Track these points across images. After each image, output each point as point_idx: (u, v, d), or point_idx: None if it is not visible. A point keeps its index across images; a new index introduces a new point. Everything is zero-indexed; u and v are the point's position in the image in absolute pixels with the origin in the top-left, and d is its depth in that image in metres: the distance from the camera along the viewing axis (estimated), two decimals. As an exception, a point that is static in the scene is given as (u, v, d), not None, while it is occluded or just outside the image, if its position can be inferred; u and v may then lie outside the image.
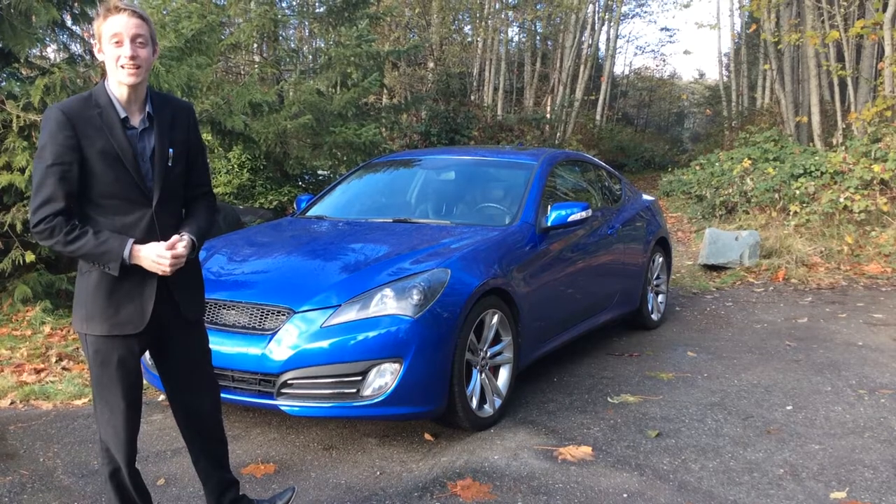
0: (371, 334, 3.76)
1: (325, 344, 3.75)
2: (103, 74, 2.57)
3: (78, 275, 2.61)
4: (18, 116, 6.24)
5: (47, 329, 6.10)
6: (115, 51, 2.46)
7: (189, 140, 2.71)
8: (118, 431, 2.62)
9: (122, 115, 2.52)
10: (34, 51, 7.72)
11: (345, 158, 11.59)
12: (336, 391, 3.77)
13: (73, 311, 2.63)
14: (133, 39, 2.46)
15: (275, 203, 11.79)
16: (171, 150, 2.61)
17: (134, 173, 2.52)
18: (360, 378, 3.74)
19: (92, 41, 2.53)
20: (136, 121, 2.56)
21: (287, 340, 3.78)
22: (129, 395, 2.62)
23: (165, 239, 2.57)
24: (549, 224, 4.94)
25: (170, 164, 2.60)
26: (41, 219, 2.43)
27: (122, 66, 2.46)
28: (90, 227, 2.48)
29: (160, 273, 2.53)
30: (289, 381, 3.77)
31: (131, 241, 2.49)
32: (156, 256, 2.50)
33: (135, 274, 2.54)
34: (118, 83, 2.51)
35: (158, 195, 2.57)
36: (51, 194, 2.43)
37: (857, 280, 8.50)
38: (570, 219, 4.96)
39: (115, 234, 2.50)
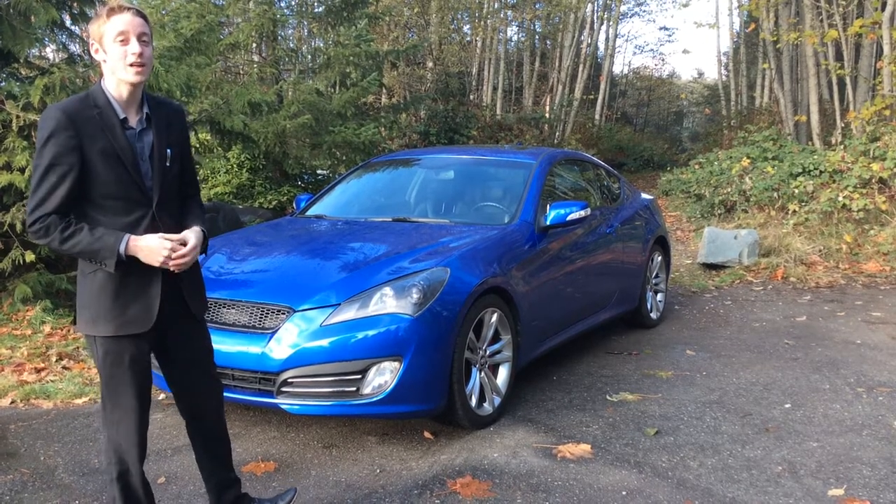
0: (371, 333, 3.77)
1: (324, 342, 3.76)
2: (101, 75, 2.57)
3: (80, 276, 2.60)
4: (18, 116, 6.24)
5: (47, 328, 6.11)
6: (120, 49, 2.47)
7: (183, 141, 2.73)
8: (130, 432, 2.62)
9: (121, 115, 2.53)
10: (33, 51, 7.73)
11: (344, 158, 11.61)
12: (336, 389, 3.78)
13: (77, 313, 2.62)
14: (139, 37, 2.48)
15: (274, 203, 11.81)
16: (168, 151, 2.63)
17: (134, 173, 2.52)
18: (359, 376, 3.75)
19: (90, 42, 2.53)
20: (133, 121, 2.57)
21: (287, 339, 3.79)
22: (142, 394, 2.62)
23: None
24: (547, 223, 4.95)
25: (168, 164, 2.62)
26: (36, 218, 2.44)
27: (131, 65, 2.47)
28: (86, 224, 2.48)
29: (158, 265, 2.50)
30: (289, 380, 3.78)
31: (128, 235, 2.48)
32: (158, 245, 2.48)
33: (139, 272, 2.54)
34: (120, 82, 2.52)
35: (158, 195, 2.58)
36: (47, 194, 2.43)
37: (855, 279, 8.52)
38: (569, 218, 4.97)
39: (111, 230, 2.49)
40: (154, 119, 2.61)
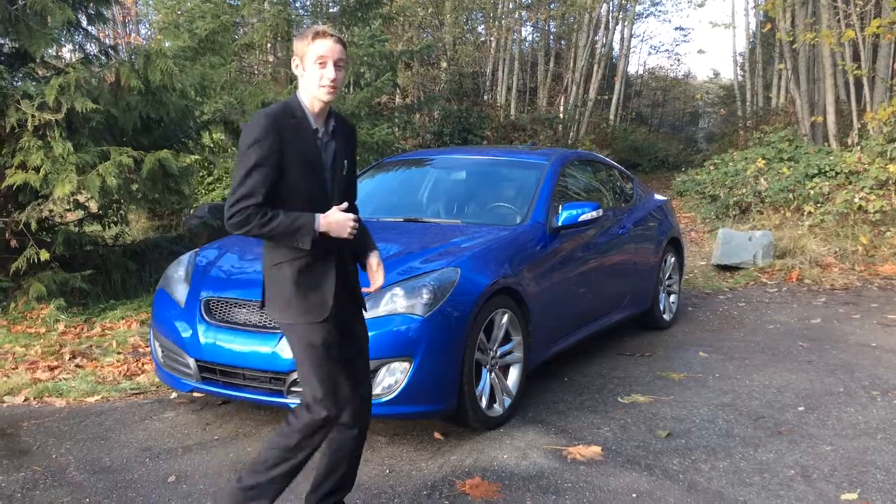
0: (381, 333, 3.76)
1: (335, 342, 3.75)
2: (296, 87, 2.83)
3: (267, 269, 2.85)
4: (34, 116, 6.29)
5: (61, 327, 6.15)
6: (318, 71, 2.73)
7: (353, 155, 3.00)
8: (340, 386, 2.79)
9: (314, 126, 2.80)
10: (50, 51, 7.78)
11: (357, 158, 11.62)
12: (346, 389, 3.78)
13: (266, 302, 2.87)
14: (335, 63, 2.74)
15: (288, 202, 11.79)
16: (346, 161, 2.91)
17: (320, 179, 2.80)
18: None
19: (293, 57, 2.81)
20: (321, 132, 2.83)
21: (297, 339, 3.79)
22: (343, 367, 2.83)
23: (342, 241, 2.82)
24: (559, 224, 4.93)
25: (344, 174, 2.90)
26: (238, 210, 2.68)
27: (323, 86, 2.73)
28: (280, 210, 2.71)
29: (346, 235, 2.76)
30: (299, 379, 3.78)
31: (319, 214, 2.73)
32: (343, 218, 2.74)
33: (318, 266, 2.79)
34: (314, 98, 2.77)
35: (337, 199, 2.84)
36: (250, 190, 2.67)
37: (871, 281, 8.44)
38: (581, 218, 4.95)
39: (304, 213, 2.72)
40: (338, 131, 2.88)
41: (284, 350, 3.78)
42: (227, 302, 4.09)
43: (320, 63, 2.72)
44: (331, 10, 14.84)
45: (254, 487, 2.81)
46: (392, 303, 3.85)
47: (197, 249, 4.86)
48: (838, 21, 13.05)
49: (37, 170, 6.31)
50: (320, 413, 2.76)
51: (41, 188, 6.37)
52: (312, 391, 2.78)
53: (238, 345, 3.90)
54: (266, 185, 2.68)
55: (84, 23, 7.82)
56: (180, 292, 4.35)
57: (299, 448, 2.81)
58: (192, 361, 4.05)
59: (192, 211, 10.79)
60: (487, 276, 4.17)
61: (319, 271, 2.80)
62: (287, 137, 2.71)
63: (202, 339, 4.00)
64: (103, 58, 7.85)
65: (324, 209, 2.77)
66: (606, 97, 27.99)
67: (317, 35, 2.73)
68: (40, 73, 7.57)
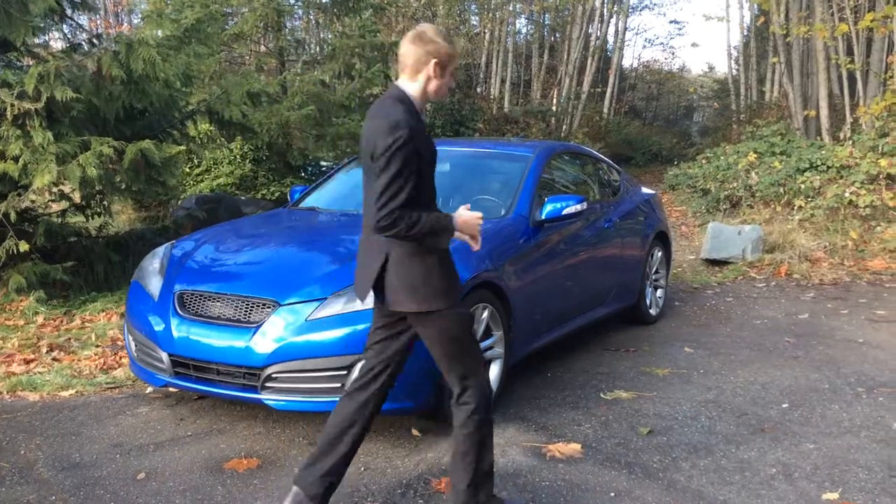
0: (358, 328, 3.70)
1: (310, 337, 3.70)
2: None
3: (403, 259, 2.87)
4: (13, 105, 6.18)
5: (40, 319, 6.07)
6: (451, 79, 2.95)
7: None
8: (487, 379, 3.05)
9: (426, 123, 2.81)
10: (37, 40, 7.66)
11: (348, 149, 11.53)
12: (321, 385, 3.72)
13: (409, 292, 2.89)
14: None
15: (277, 194, 11.74)
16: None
17: (433, 175, 2.93)
18: (345, 372, 3.68)
19: (437, 59, 2.87)
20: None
21: (272, 333, 3.73)
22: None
23: None
24: (543, 217, 4.86)
25: None
26: (386, 214, 2.75)
27: (446, 93, 2.96)
28: (421, 212, 2.80)
29: (474, 233, 2.97)
30: (273, 375, 3.72)
31: (453, 214, 2.90)
32: (473, 218, 2.93)
33: (448, 255, 2.96)
34: (427, 99, 2.93)
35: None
36: (395, 194, 2.74)
37: (860, 276, 8.39)
38: (565, 212, 4.87)
39: (437, 214, 2.88)
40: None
41: (258, 345, 3.72)
42: (201, 295, 4.01)
43: (454, 72, 2.93)
44: (322, 0, 14.70)
45: (471, 482, 3.01)
46: (369, 297, 3.77)
47: (173, 241, 4.78)
48: (832, 15, 12.99)
49: (16, 159, 6.21)
50: (477, 384, 2.97)
51: (20, 178, 6.27)
52: (465, 370, 2.96)
53: (211, 339, 3.83)
54: (410, 189, 2.75)
55: (68, 11, 7.71)
56: (154, 285, 4.27)
57: (487, 422, 3.04)
58: (164, 356, 3.97)
59: (179, 202, 10.70)
60: (468, 269, 4.09)
61: (451, 261, 2.99)
62: (419, 140, 2.79)
63: (175, 333, 3.93)
64: (90, 47, 7.74)
65: (433, 204, 2.92)
66: (600, 90, 27.91)
67: (455, 46, 2.90)
68: (27, 61, 7.46)
